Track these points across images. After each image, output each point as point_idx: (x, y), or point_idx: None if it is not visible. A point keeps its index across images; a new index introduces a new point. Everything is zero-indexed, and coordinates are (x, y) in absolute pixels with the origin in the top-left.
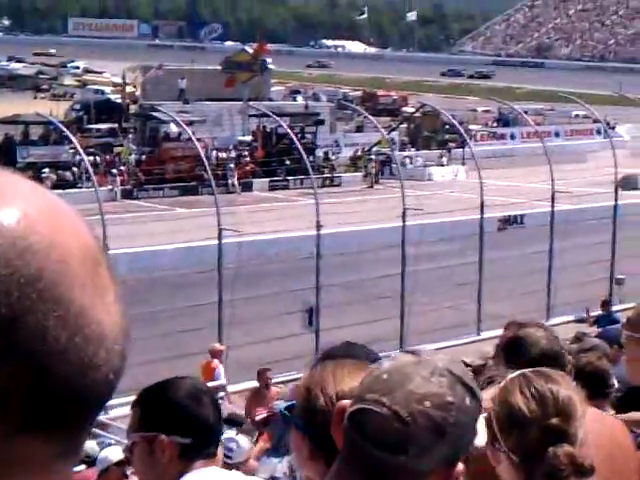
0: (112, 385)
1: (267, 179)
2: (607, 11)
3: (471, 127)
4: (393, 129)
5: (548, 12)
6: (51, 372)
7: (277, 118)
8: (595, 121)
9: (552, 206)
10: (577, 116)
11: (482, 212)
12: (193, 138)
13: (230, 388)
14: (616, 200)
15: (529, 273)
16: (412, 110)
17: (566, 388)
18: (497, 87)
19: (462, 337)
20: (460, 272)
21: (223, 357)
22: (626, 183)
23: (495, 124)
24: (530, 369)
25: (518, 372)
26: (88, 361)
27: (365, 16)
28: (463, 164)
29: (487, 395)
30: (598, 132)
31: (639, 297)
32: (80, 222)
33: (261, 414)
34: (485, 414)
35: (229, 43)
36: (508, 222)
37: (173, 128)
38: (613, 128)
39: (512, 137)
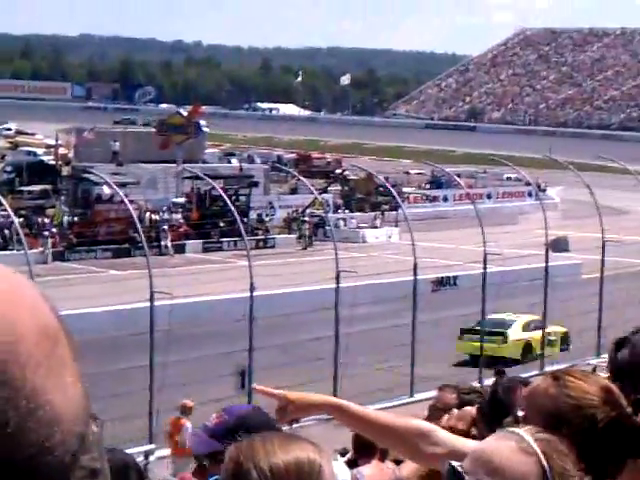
0: (69, 468)
1: (201, 241)
2: (537, 76)
3: (404, 189)
4: (324, 190)
5: (480, 76)
6: (0, 456)
7: (210, 180)
8: (526, 184)
9: (484, 268)
10: (509, 179)
11: (415, 274)
12: (125, 200)
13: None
14: (547, 262)
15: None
16: (346, 173)
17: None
18: (430, 150)
19: (395, 399)
20: (394, 334)
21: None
22: (556, 245)
23: (428, 186)
24: None
25: None
26: (42, 444)
27: (300, 79)
28: (396, 226)
29: None
30: (529, 194)
31: (571, 358)
32: (41, 302)
33: None
34: None
35: (163, 105)
36: (441, 283)
37: (106, 190)
38: (544, 191)
39: (445, 199)
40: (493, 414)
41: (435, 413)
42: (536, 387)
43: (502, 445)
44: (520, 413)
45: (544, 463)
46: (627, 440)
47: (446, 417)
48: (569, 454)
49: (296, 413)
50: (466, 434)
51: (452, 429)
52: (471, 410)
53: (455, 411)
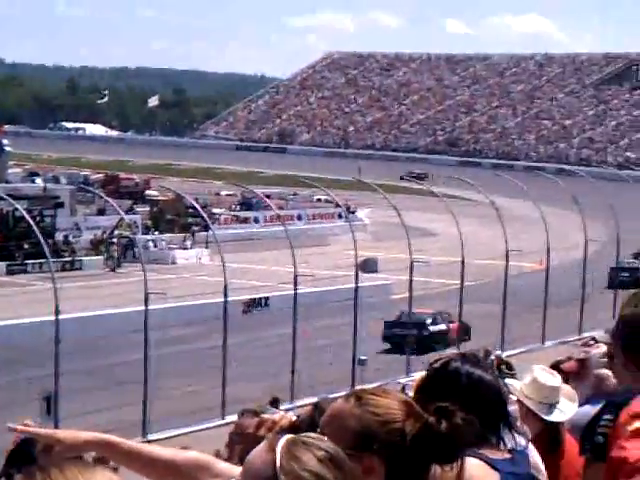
0: None
1: (4, 263)
2: (346, 99)
3: (215, 210)
4: (129, 210)
5: (289, 99)
6: None
7: (12, 201)
8: (336, 205)
9: (295, 289)
10: (319, 200)
11: (226, 295)
12: None
13: None
14: (357, 282)
15: (274, 355)
16: (154, 193)
17: None
18: (241, 172)
19: (206, 422)
20: (204, 355)
21: None
22: (366, 266)
23: (239, 208)
24: None
25: None
26: None
27: (106, 99)
28: (207, 247)
29: None
30: (339, 216)
31: (382, 377)
32: None
33: None
34: None
35: None
36: (253, 305)
37: None
38: (353, 212)
39: (256, 221)
40: None
41: (235, 439)
42: (339, 408)
43: (259, 446)
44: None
45: (277, 461)
46: (435, 447)
47: None
48: (312, 457)
49: (64, 452)
50: None
51: None
52: None
53: None
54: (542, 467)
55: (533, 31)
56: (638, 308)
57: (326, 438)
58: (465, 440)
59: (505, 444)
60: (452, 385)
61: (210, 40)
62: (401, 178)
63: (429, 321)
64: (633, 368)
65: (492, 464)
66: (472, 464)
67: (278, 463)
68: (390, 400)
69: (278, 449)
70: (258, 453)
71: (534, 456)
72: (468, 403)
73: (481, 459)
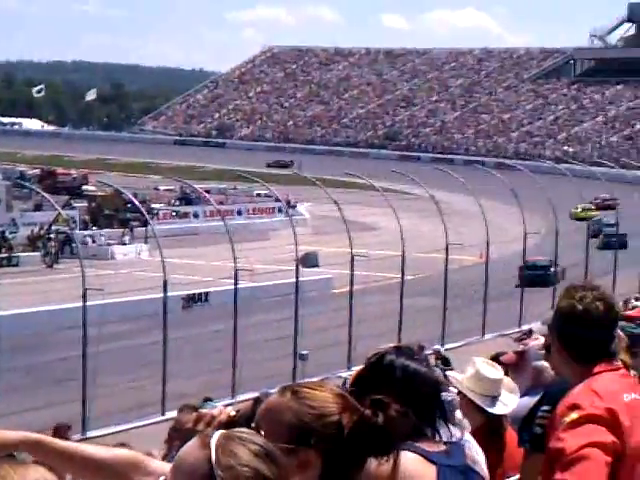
0: None
1: None
2: (285, 94)
3: (154, 206)
4: (66, 205)
5: (228, 93)
6: None
7: None
8: (276, 200)
9: (235, 284)
10: (259, 195)
11: (165, 290)
12: None
13: None
14: (297, 277)
15: (215, 351)
16: (93, 188)
17: None
18: (180, 166)
19: (146, 418)
20: (144, 351)
21: None
22: (307, 260)
23: (178, 203)
24: None
25: None
26: None
27: (43, 93)
28: (146, 243)
29: None
30: (280, 210)
31: (323, 372)
32: None
33: None
34: None
35: None
36: (193, 300)
37: None
38: (294, 207)
39: (195, 216)
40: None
41: (173, 435)
42: (275, 403)
43: (190, 442)
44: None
45: (212, 456)
46: (370, 440)
47: None
48: (248, 451)
49: None
50: None
51: None
52: None
53: None
54: (480, 458)
55: (471, 25)
56: (574, 300)
57: (261, 433)
58: (401, 433)
59: (440, 436)
60: (387, 378)
61: (149, 35)
62: (267, 165)
63: None
64: (569, 359)
65: (428, 457)
66: (408, 458)
67: (214, 459)
68: (326, 394)
69: (212, 445)
70: (190, 449)
71: (471, 447)
72: (403, 396)
73: (417, 452)
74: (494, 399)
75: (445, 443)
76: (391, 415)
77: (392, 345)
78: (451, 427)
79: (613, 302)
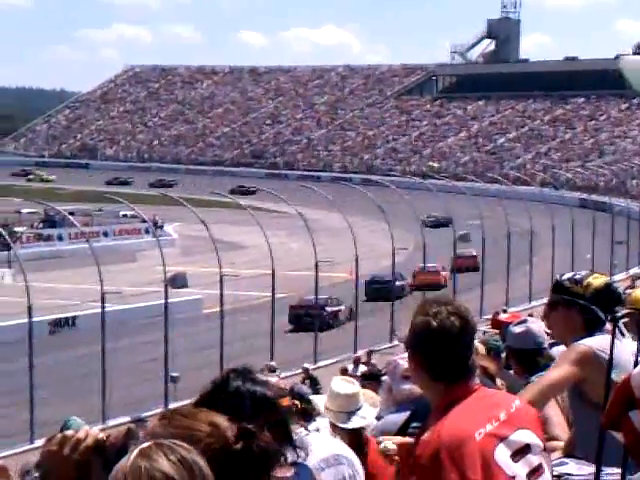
0: None
1: None
2: (149, 113)
3: (16, 229)
4: None
5: (90, 113)
6: None
7: None
8: (143, 221)
9: (102, 307)
10: (125, 216)
11: (30, 316)
12: None
13: None
14: (166, 298)
15: (83, 375)
16: None
17: None
18: (40, 188)
19: (15, 447)
20: (10, 379)
21: None
22: (175, 281)
23: (41, 225)
24: None
25: None
26: None
27: None
28: (9, 267)
29: None
30: (147, 231)
31: (195, 393)
32: None
33: None
34: None
35: None
36: (59, 325)
37: None
38: (161, 227)
39: (60, 238)
40: None
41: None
42: (151, 428)
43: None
44: None
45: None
46: (232, 466)
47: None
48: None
49: None
50: None
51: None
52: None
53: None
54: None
55: (333, 43)
56: (429, 317)
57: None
58: (269, 460)
59: (286, 459)
60: (236, 405)
61: (4, 55)
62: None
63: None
64: (426, 379)
65: None
66: None
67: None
68: (197, 422)
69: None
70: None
71: (352, 464)
72: (253, 422)
73: None
74: (350, 414)
75: (293, 464)
76: (259, 444)
77: (231, 368)
78: (297, 449)
79: (468, 316)
